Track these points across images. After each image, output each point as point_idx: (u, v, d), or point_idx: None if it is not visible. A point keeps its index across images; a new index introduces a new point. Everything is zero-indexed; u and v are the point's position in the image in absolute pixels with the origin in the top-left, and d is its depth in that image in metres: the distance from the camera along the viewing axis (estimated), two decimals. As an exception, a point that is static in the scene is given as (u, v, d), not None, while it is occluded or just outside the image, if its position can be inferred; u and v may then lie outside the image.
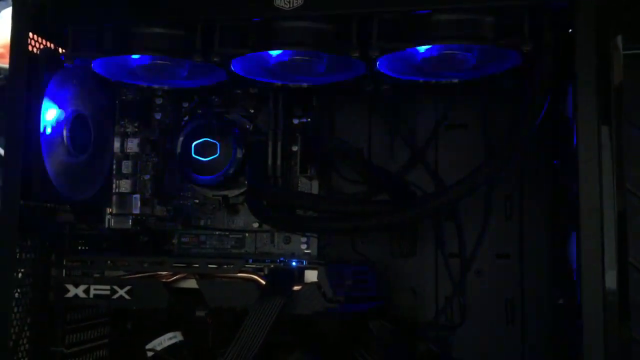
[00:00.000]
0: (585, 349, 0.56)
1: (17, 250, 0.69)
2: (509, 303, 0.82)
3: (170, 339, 0.78)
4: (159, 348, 0.77)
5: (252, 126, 0.84)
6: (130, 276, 0.71)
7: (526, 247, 0.83)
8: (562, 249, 0.72)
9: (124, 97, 0.85)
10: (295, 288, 0.68)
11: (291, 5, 0.64)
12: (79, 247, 0.81)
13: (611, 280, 0.57)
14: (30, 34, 0.70)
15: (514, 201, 0.84)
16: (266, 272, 0.69)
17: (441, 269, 0.84)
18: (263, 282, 0.68)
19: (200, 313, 0.82)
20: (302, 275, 0.69)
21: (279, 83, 0.77)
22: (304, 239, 0.84)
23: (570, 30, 0.60)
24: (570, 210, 0.65)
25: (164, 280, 0.70)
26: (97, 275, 0.72)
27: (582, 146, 0.58)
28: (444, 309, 0.83)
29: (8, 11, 0.75)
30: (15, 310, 0.68)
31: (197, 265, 0.70)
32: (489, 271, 0.84)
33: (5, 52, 0.71)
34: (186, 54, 0.69)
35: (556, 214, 0.78)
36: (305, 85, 0.77)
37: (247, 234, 0.86)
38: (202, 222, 0.86)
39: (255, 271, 0.69)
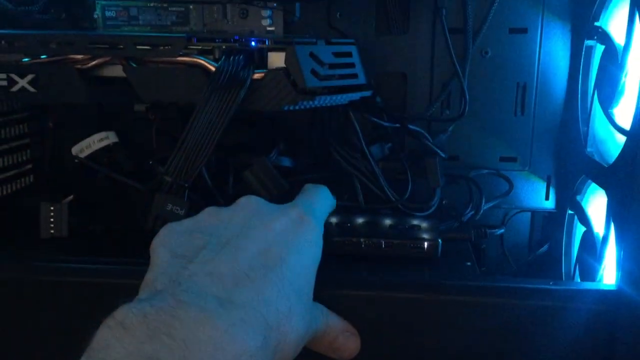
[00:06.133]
0: None
1: None
2: (521, 89, 0.68)
3: (101, 140, 0.62)
4: (87, 151, 0.62)
5: None
6: (33, 61, 0.53)
7: (548, 20, 0.66)
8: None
9: None
10: (256, 76, 0.51)
11: None
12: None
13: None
14: None
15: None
16: (217, 55, 0.53)
17: (439, 48, 0.68)
18: (212, 68, 0.51)
19: (139, 107, 0.67)
20: (264, 58, 0.53)
21: None
22: (265, 13, 0.66)
23: None
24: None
25: (78, 66, 0.53)
26: (-12, 61, 0.53)
27: None
28: (441, 97, 0.68)
29: None
30: None
31: (122, 47, 0.52)
32: (499, 49, 0.67)
33: None
34: None
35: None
36: None
37: (192, 7, 0.66)
38: (132, -11, 0.66)
39: (202, 54, 0.52)
